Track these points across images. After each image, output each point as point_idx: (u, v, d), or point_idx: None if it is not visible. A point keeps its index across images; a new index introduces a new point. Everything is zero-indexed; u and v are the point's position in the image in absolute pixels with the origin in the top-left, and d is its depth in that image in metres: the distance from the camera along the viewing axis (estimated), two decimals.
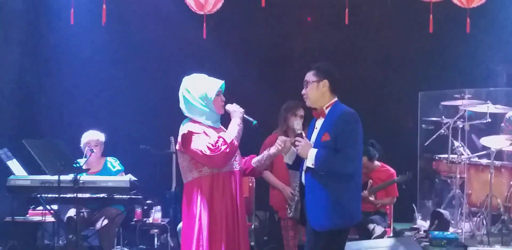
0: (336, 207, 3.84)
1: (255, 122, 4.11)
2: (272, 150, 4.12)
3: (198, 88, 4.03)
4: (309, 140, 4.03)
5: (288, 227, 5.71)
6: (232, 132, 3.99)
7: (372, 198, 6.12)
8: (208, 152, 3.87)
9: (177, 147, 4.04)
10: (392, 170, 6.35)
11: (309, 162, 3.90)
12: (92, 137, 5.98)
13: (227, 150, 3.89)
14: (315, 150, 3.89)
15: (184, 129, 3.99)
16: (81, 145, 5.97)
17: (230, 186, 4.01)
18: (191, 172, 4.00)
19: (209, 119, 4.04)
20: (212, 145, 3.89)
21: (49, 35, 7.54)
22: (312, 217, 3.91)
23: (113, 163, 6.03)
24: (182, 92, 4.06)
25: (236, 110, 4.09)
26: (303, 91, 4.05)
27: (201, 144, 3.90)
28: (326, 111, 4.00)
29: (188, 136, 3.94)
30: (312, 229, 3.94)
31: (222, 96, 4.10)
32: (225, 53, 7.72)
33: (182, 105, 4.07)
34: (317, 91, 4.00)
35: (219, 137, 3.95)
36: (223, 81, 4.09)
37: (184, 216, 4.05)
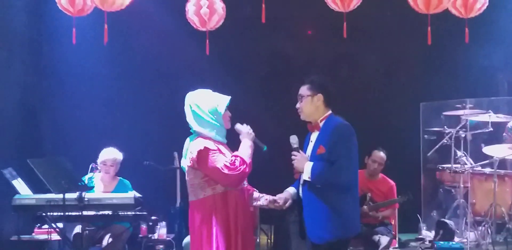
0: (334, 219, 3.86)
1: (265, 148, 4.17)
2: (271, 205, 4.16)
3: (208, 103, 4.03)
4: (305, 154, 4.06)
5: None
6: (247, 152, 4.01)
7: (371, 213, 6.08)
8: (226, 171, 3.86)
9: (190, 164, 3.97)
10: (392, 182, 6.32)
11: (306, 175, 3.93)
12: (109, 155, 5.97)
13: (246, 170, 3.92)
14: (311, 163, 3.93)
15: (199, 145, 3.93)
16: (98, 162, 5.96)
17: (243, 203, 4.03)
18: (204, 190, 3.96)
19: (219, 134, 4.04)
20: (230, 163, 3.89)
21: (52, 54, 7.61)
22: (311, 230, 3.93)
23: (127, 186, 6.03)
24: (190, 106, 4.04)
25: (249, 133, 4.12)
26: (298, 105, 4.07)
27: (218, 161, 3.89)
28: (321, 124, 4.03)
29: (204, 153, 3.90)
30: (311, 242, 3.95)
31: (228, 112, 4.12)
32: (228, 68, 7.78)
33: (191, 120, 4.04)
34: (311, 105, 4.03)
35: (235, 156, 3.96)
36: (230, 97, 4.11)
37: (196, 233, 3.99)
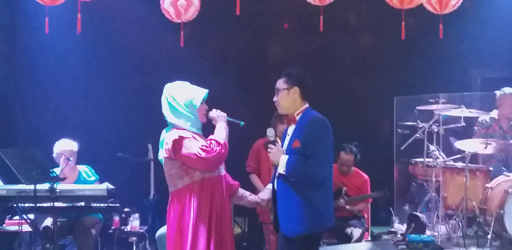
0: (308, 212, 3.87)
1: (242, 123, 4.20)
2: (254, 203, 4.23)
3: (184, 95, 4.05)
4: (282, 147, 4.07)
5: (269, 231, 5.75)
6: (221, 134, 4.05)
7: (348, 207, 6.11)
8: (203, 154, 3.89)
9: (166, 154, 4.00)
10: (366, 177, 6.33)
11: (281, 168, 3.94)
12: (65, 147, 5.90)
13: (222, 151, 3.95)
14: (286, 157, 3.94)
15: (173, 135, 3.97)
16: (54, 155, 5.89)
17: (220, 190, 4.05)
18: (182, 179, 3.99)
19: (193, 126, 4.07)
20: (205, 146, 3.93)
21: (24, 44, 7.53)
22: (284, 223, 3.94)
23: (88, 172, 5.99)
24: (166, 98, 4.07)
25: (219, 115, 4.15)
26: (275, 99, 4.08)
27: (193, 147, 3.93)
28: (297, 118, 4.04)
29: (179, 141, 3.94)
30: (284, 235, 3.96)
31: (205, 105, 4.13)
32: (202, 61, 7.76)
33: (166, 111, 4.07)
34: (287, 99, 4.03)
35: (210, 139, 4.00)
36: (207, 90, 4.12)
37: (173, 222, 4.01)
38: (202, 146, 3.93)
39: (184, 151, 3.93)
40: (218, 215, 4.00)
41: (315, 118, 3.98)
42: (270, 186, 4.21)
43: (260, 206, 4.26)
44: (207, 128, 4.17)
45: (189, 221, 3.95)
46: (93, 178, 5.96)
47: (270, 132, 4.12)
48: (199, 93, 4.08)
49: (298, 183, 3.90)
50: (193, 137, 4.00)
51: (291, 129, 4.07)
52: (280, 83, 4.06)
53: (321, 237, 4.18)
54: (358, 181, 6.29)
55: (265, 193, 4.22)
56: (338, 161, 6.21)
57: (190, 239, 3.92)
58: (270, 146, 4.03)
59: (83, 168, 6.02)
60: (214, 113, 4.16)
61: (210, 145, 3.95)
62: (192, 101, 4.04)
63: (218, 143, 3.96)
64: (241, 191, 4.25)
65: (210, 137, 4.05)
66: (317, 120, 3.97)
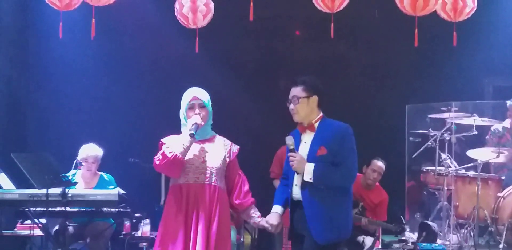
0: (337, 220, 3.87)
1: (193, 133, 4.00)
2: (260, 226, 4.15)
3: (182, 101, 4.12)
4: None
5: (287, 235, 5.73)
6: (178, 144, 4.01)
7: (364, 226, 6.04)
8: (156, 161, 4.00)
9: None
10: (385, 195, 6.30)
11: (307, 176, 3.88)
12: (90, 152, 5.87)
13: (156, 162, 3.99)
14: (312, 164, 3.89)
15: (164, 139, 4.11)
16: (79, 159, 5.86)
17: (202, 198, 4.00)
18: (170, 181, 4.14)
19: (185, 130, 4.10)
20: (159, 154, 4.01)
21: (39, 49, 7.56)
22: (316, 231, 3.87)
23: (108, 181, 5.98)
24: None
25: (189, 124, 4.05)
26: (292, 107, 4.02)
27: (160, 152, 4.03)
28: (316, 125, 4.00)
29: (160, 146, 4.11)
30: (315, 243, 3.87)
31: (198, 109, 4.05)
32: (216, 66, 7.76)
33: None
34: (307, 107, 3.99)
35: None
36: (194, 95, 4.07)
37: None
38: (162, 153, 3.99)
39: None
40: (188, 223, 3.96)
41: (343, 125, 3.98)
42: (277, 209, 4.10)
43: (267, 230, 4.12)
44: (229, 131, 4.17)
45: (160, 224, 4.05)
46: (112, 187, 5.94)
47: (289, 140, 4.03)
48: (184, 99, 4.11)
49: (325, 190, 3.87)
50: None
51: (308, 136, 4.02)
52: (299, 92, 4.01)
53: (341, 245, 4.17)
54: (378, 198, 6.23)
55: (273, 218, 4.08)
56: (366, 170, 6.19)
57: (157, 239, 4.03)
58: (293, 154, 3.96)
59: (104, 176, 6.01)
60: (191, 120, 4.05)
61: (158, 153, 4.02)
62: (182, 106, 4.10)
63: (160, 154, 3.99)
64: (253, 210, 4.18)
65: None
66: (346, 128, 3.96)
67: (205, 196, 4.02)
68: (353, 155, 3.93)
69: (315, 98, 4.01)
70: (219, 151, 4.14)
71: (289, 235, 4.10)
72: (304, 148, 4.00)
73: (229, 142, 4.23)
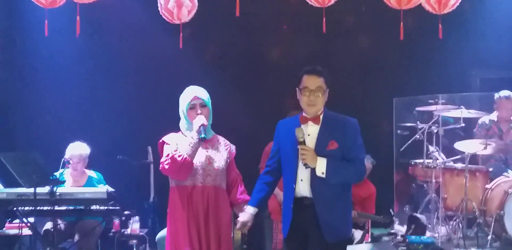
0: (347, 216, 3.87)
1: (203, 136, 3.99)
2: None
3: (181, 100, 4.11)
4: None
5: (279, 230, 5.73)
6: (185, 146, 3.97)
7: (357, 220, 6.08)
8: (164, 163, 3.95)
9: None
10: (373, 188, 6.25)
11: (319, 171, 3.73)
12: (74, 152, 5.86)
13: (164, 166, 3.93)
14: (324, 159, 3.73)
15: (164, 137, 4.08)
16: (67, 157, 5.83)
17: (200, 200, 4.01)
18: (170, 181, 4.11)
19: (189, 129, 4.06)
20: (166, 156, 3.95)
21: (24, 47, 7.52)
22: (328, 229, 3.73)
23: (98, 179, 5.97)
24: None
25: (194, 124, 4.03)
26: (313, 98, 3.82)
27: (164, 154, 4.00)
28: (321, 117, 3.85)
29: (160, 145, 4.08)
30: (325, 242, 3.73)
31: (199, 109, 4.05)
32: (202, 62, 7.75)
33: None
34: (324, 100, 3.88)
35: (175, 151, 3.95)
36: (195, 94, 4.05)
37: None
38: (167, 154, 3.94)
39: (162, 155, 4.03)
40: (194, 223, 3.98)
41: (353, 120, 3.88)
42: (249, 209, 3.98)
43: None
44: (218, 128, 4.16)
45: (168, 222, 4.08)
46: (101, 185, 5.93)
47: (299, 132, 3.77)
48: (185, 99, 4.08)
49: (336, 185, 3.77)
50: (177, 144, 4.00)
51: (312, 129, 3.83)
52: (323, 83, 3.86)
53: None
54: (365, 192, 6.20)
55: (244, 216, 3.98)
56: None
57: (168, 239, 4.05)
58: (304, 147, 3.73)
59: (93, 174, 6.00)
60: (196, 121, 4.02)
61: (167, 156, 3.94)
62: (182, 105, 4.08)
63: (167, 157, 3.93)
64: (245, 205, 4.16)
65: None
66: (356, 123, 3.87)
67: (213, 198, 4.04)
68: (364, 151, 3.88)
69: (327, 91, 3.91)
70: (222, 151, 4.15)
71: (289, 233, 3.88)
72: (309, 141, 3.79)
73: (228, 142, 4.24)
